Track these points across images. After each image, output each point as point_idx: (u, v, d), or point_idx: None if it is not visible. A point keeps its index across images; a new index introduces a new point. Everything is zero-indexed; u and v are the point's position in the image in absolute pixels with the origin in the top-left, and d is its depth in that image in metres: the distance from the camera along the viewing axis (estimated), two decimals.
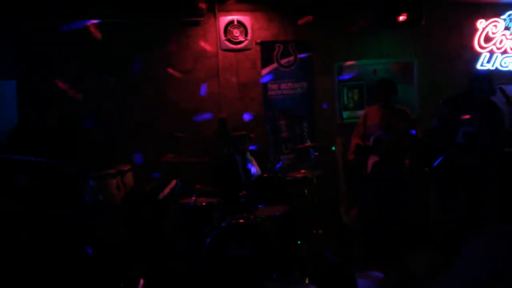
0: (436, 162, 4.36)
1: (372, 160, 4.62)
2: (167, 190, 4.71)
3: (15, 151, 3.70)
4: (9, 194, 3.87)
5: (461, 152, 4.25)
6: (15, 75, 5.54)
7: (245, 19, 6.20)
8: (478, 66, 6.73)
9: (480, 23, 6.68)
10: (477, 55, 6.75)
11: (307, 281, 3.87)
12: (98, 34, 5.70)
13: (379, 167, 4.58)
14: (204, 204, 4.53)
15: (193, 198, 4.55)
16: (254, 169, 5.18)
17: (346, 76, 6.46)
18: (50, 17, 5.49)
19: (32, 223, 3.83)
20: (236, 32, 6.18)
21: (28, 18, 5.49)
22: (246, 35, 6.20)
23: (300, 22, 5.98)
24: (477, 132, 4.22)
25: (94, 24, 5.68)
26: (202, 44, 6.15)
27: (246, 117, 6.13)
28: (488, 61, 6.72)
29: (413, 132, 4.57)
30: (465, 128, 4.25)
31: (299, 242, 4.64)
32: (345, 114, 6.45)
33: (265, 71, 6.25)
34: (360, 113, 5.10)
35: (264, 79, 6.23)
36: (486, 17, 6.67)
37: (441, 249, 4.69)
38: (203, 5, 5.93)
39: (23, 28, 5.56)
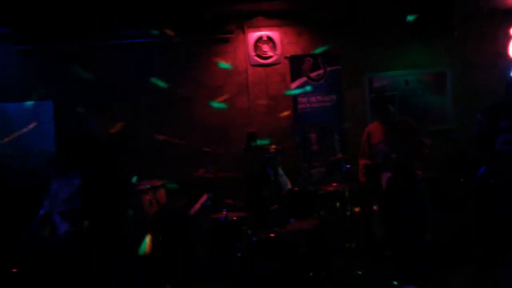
0: (479, 172, 4.23)
1: (385, 176, 4.54)
2: (198, 205, 4.74)
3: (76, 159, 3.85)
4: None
5: (501, 160, 4.12)
6: (51, 96, 5.79)
7: (274, 34, 6.26)
8: None
9: None
10: None
11: None
12: (128, 54, 5.90)
13: (394, 183, 4.50)
14: (235, 218, 4.54)
15: (224, 212, 4.57)
16: (285, 183, 5.17)
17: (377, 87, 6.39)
18: (80, 39, 5.72)
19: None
20: (265, 48, 6.24)
21: (59, 44, 5.74)
22: (275, 50, 6.25)
23: None
24: None
25: (124, 44, 5.86)
26: (232, 60, 6.23)
27: None
28: None
29: (426, 142, 4.49)
30: (504, 135, 4.13)
31: (331, 256, 4.57)
32: None
33: (294, 84, 6.27)
34: None
35: (294, 93, 6.24)
36: None
37: (481, 265, 4.53)
38: (233, 26, 6.10)
39: (56, 52, 5.83)
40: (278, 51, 6.26)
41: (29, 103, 5.70)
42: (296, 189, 4.86)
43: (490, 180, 4.09)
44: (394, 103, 4.72)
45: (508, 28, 6.50)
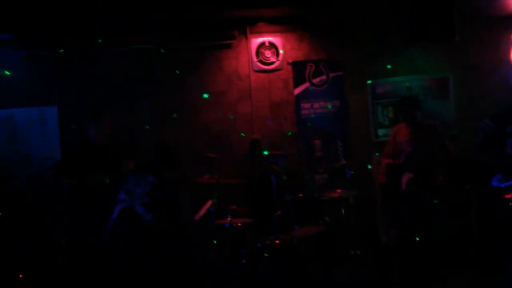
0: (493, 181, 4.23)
1: (406, 177, 4.55)
2: (203, 211, 4.74)
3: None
4: None
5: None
6: (56, 101, 5.79)
7: (276, 40, 6.27)
8: None
9: None
10: None
11: None
12: (133, 60, 5.91)
13: (414, 184, 4.51)
14: (239, 224, 4.53)
15: (229, 218, 4.57)
16: (288, 189, 5.15)
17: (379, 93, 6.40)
18: (86, 44, 5.74)
19: None
20: (268, 53, 6.25)
21: (63, 49, 5.76)
22: (277, 55, 6.27)
23: None
24: None
25: (130, 50, 5.88)
26: (234, 66, 6.24)
27: None
28: None
29: (449, 146, 4.52)
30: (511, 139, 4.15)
31: (336, 263, 4.57)
32: (380, 132, 6.34)
33: (297, 90, 6.27)
34: None
35: (297, 99, 6.25)
36: None
37: (484, 270, 4.53)
38: (235, 32, 6.13)
39: (61, 57, 5.82)
40: (281, 56, 6.27)
41: (35, 108, 5.71)
42: (300, 195, 4.85)
43: (502, 185, 4.09)
44: (421, 108, 4.78)
45: (510, 34, 6.52)
